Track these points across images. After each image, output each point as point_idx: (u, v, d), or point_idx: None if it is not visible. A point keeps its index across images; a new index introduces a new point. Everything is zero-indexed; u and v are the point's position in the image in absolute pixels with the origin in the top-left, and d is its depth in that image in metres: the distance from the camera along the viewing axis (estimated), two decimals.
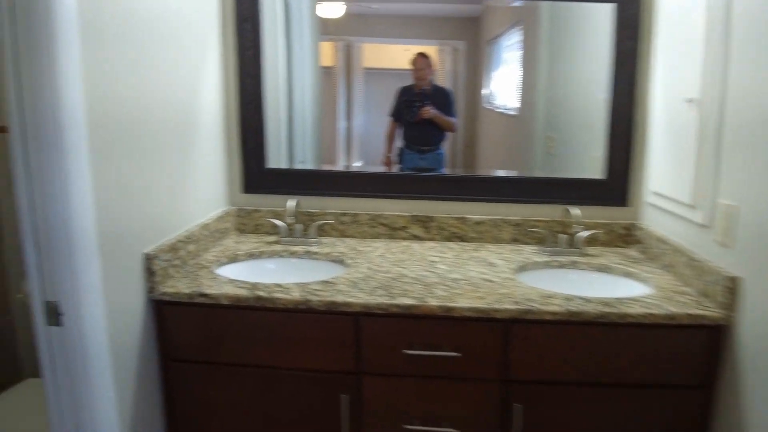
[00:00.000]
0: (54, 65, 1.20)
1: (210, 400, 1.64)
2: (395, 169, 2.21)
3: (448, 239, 2.08)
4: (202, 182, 1.91)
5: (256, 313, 1.55)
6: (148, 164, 1.57)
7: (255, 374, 1.60)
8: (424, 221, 2.08)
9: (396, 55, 2.20)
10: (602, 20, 1.99)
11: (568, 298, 1.54)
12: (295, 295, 1.53)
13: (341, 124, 2.27)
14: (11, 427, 1.85)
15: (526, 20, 2.16)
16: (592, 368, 1.52)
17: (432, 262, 1.84)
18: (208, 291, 1.55)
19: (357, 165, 2.27)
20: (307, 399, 1.60)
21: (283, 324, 1.55)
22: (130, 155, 1.48)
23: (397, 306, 1.50)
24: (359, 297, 1.52)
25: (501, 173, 2.19)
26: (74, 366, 1.34)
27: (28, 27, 1.19)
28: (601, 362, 1.52)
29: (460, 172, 2.22)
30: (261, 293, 1.54)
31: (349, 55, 2.23)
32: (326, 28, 2.19)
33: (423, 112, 2.18)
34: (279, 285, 1.60)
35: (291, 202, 1.95)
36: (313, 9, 2.16)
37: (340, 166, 2.28)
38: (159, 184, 1.64)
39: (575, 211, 1.93)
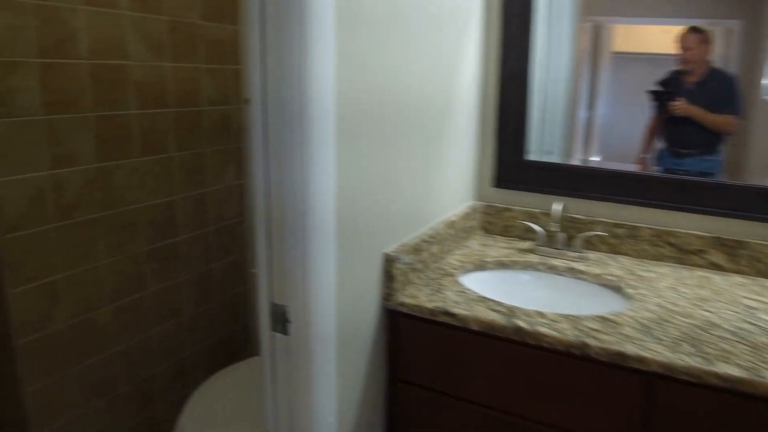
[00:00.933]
0: (303, 38, 0.99)
1: None
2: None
3: (764, 275, 1.53)
4: (451, 172, 1.63)
5: (512, 347, 1.22)
6: (396, 150, 1.33)
7: (499, 421, 1.28)
8: (731, 247, 1.55)
9: (653, 38, 1.72)
10: None
11: None
12: (567, 333, 1.17)
13: (581, 113, 1.85)
14: (226, 402, 1.80)
15: None
16: None
17: (749, 307, 1.33)
18: (455, 310, 1.26)
19: (594, 160, 1.83)
20: None
21: (545, 367, 1.20)
22: (377, 139, 1.24)
23: (718, 376, 1.05)
24: (657, 351, 1.10)
25: None
26: (296, 378, 1.15)
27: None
28: None
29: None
30: (521, 324, 1.20)
31: (596, 38, 1.79)
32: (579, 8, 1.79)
33: (673, 106, 1.64)
34: (542, 314, 1.25)
35: (557, 206, 1.58)
36: None
37: (575, 160, 1.85)
38: (406, 172, 1.38)
39: None
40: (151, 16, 1.80)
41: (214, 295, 2.23)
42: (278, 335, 1.12)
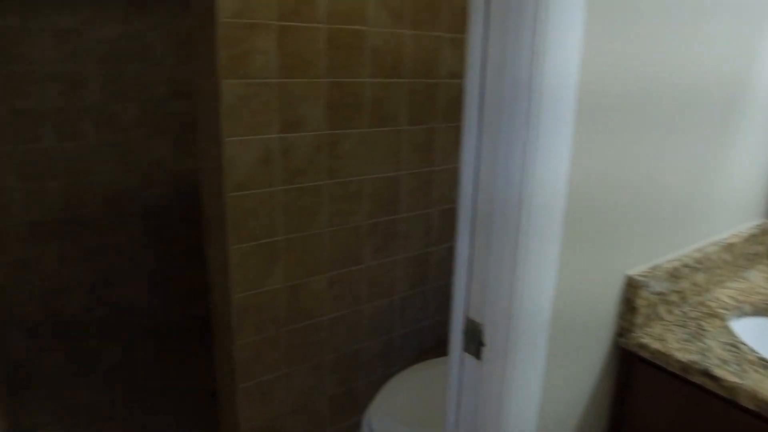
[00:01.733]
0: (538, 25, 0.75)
1: None
2: None
3: None
4: (734, 179, 1.23)
5: None
6: (658, 144, 1.00)
7: None
8: None
9: None
10: None
11: None
12: None
13: None
14: (421, 398, 1.65)
15: None
16: None
17: None
18: (720, 372, 0.91)
19: None
20: None
21: None
22: (632, 128, 0.94)
23: None
24: None
25: None
26: (484, 415, 0.93)
27: None
28: None
29: None
30: None
31: None
32: None
33: None
34: None
35: None
36: None
37: None
38: (669, 174, 1.05)
39: None
40: None
41: (429, 279, 2.11)
42: (469, 358, 0.92)
